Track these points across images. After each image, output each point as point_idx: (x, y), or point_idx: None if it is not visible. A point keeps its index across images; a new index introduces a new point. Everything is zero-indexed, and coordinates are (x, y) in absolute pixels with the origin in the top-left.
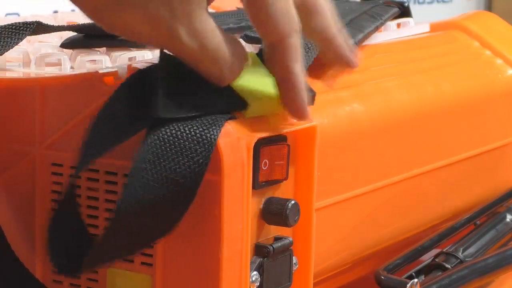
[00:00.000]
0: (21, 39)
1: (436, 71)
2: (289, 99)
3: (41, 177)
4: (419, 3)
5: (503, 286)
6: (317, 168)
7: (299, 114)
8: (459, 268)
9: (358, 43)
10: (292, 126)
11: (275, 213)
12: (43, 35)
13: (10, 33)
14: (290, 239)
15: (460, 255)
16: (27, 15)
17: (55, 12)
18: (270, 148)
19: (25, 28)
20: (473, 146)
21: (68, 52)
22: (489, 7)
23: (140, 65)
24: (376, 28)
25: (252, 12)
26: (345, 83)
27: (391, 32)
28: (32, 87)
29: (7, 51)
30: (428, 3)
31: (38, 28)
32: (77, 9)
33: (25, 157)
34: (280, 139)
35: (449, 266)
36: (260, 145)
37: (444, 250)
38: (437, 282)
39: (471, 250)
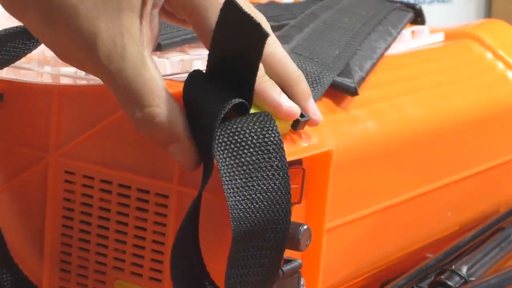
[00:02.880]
0: (40, 44)
1: (449, 86)
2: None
3: (53, 184)
4: (419, 3)
5: None
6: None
7: (284, 115)
8: None
9: (367, 75)
10: (308, 151)
11: (287, 237)
12: None
13: (29, 36)
14: (300, 261)
15: (464, 273)
16: None
17: None
18: None
19: None
20: (482, 161)
21: None
22: (489, 7)
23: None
24: (388, 47)
25: (202, 37)
26: (358, 101)
27: (406, 42)
28: (49, 92)
29: (25, 55)
30: (428, 3)
31: None
32: None
33: (38, 162)
34: (295, 163)
35: (452, 285)
36: None
37: (448, 267)
38: None
39: (475, 268)
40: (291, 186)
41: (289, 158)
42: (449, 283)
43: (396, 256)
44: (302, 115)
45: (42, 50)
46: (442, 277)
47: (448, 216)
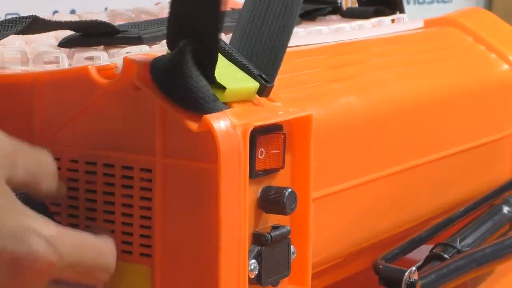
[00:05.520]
0: (13, 32)
1: (431, 65)
2: None
3: None
4: (419, 3)
5: (501, 277)
6: (313, 158)
7: None
8: (456, 258)
9: None
10: (287, 115)
11: (272, 201)
12: (39, 36)
13: (5, 26)
14: (288, 227)
15: (457, 245)
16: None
17: (55, 12)
18: (266, 137)
19: (20, 22)
20: (468, 139)
21: (66, 51)
22: (488, 6)
23: (137, 57)
24: None
25: None
26: (341, 75)
27: (385, 27)
28: (29, 81)
29: None
30: (428, 3)
31: (34, 23)
32: (77, 10)
33: None
34: (276, 128)
35: (447, 256)
36: (256, 134)
37: (442, 240)
38: (435, 271)
39: (469, 240)
40: (273, 151)
41: (268, 121)
42: (444, 255)
43: (388, 234)
44: (267, 81)
45: (24, 51)
46: (435, 250)
47: (438, 194)
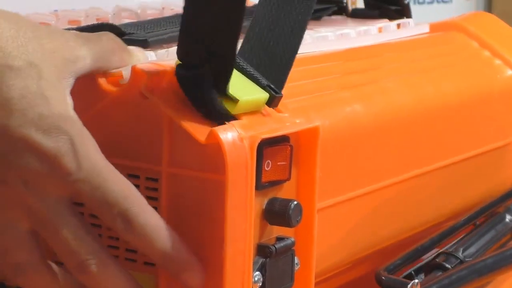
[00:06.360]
0: None
1: (436, 72)
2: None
3: None
4: (419, 3)
5: (502, 286)
6: (319, 169)
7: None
8: (459, 268)
9: None
10: (295, 126)
11: (278, 213)
12: None
13: None
14: (292, 239)
15: (460, 255)
16: (28, 13)
17: (55, 11)
18: (273, 149)
19: None
20: (472, 146)
21: None
22: (488, 7)
23: (145, 67)
24: None
25: None
26: (347, 83)
27: (391, 32)
28: None
29: None
30: (428, 3)
31: None
32: (77, 8)
33: None
34: (283, 139)
35: (449, 266)
36: (263, 145)
37: (444, 250)
38: (437, 282)
39: (471, 250)
40: (280, 163)
41: (275, 133)
42: (446, 265)
43: (392, 242)
44: (276, 91)
45: None
46: (437, 259)
47: (442, 202)
